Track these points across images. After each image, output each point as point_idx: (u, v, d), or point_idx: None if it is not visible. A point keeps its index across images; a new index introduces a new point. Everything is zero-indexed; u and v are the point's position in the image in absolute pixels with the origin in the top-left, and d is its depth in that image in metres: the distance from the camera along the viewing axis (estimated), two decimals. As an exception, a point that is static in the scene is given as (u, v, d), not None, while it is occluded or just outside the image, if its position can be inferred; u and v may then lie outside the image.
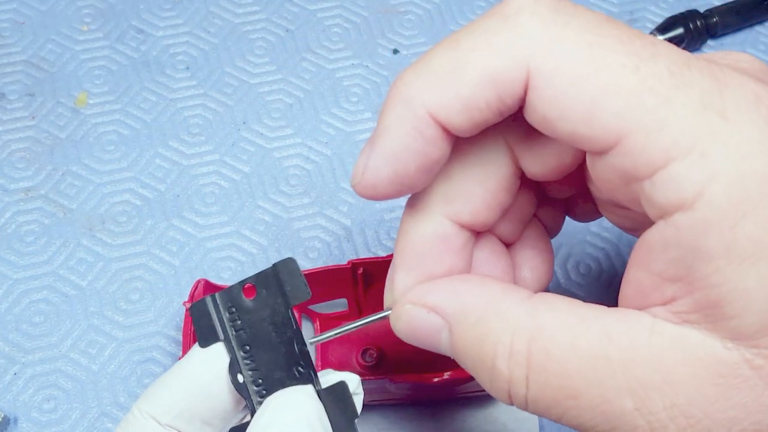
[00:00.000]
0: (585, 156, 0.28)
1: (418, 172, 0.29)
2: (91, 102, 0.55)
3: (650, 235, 0.26)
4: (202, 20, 0.58)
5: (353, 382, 0.31)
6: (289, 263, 0.31)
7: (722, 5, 0.60)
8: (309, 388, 0.30)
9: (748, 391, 0.25)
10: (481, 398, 0.45)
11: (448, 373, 0.40)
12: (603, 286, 0.50)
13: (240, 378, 0.30)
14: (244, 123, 0.54)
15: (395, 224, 0.51)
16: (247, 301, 0.31)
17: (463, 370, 0.40)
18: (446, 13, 0.60)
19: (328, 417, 0.30)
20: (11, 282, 0.48)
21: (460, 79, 0.27)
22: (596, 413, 0.26)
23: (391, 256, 0.44)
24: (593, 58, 0.25)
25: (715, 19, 0.59)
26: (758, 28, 0.61)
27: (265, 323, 0.31)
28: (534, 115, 0.27)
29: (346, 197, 0.52)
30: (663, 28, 0.58)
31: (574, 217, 0.37)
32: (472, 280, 0.30)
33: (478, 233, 0.33)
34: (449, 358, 0.38)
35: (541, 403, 0.27)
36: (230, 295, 0.31)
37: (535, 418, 0.45)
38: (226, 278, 0.49)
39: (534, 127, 0.27)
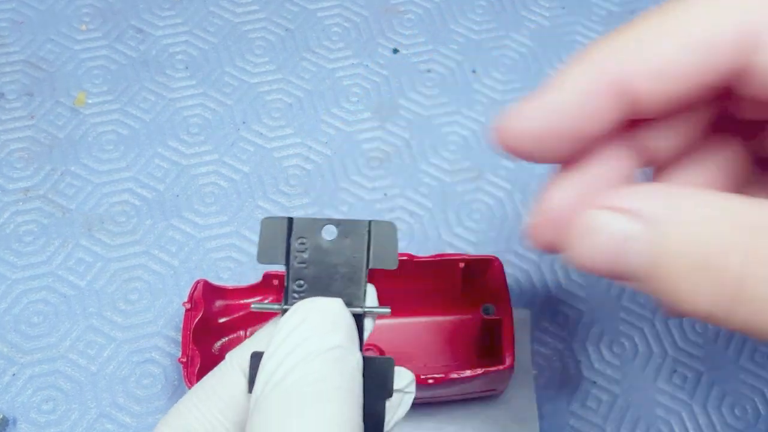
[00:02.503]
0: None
1: (568, 138, 0.26)
2: (90, 102, 0.54)
3: None
4: (201, 20, 0.58)
5: (406, 378, 0.29)
6: (387, 226, 0.30)
7: (723, 5, 0.60)
8: (339, 300, 0.29)
9: None
10: (481, 399, 0.45)
11: (447, 373, 0.40)
12: (604, 284, 0.50)
13: (287, 308, 0.29)
14: (243, 123, 0.54)
15: (396, 224, 0.51)
16: (324, 240, 0.30)
17: (461, 370, 0.40)
18: (446, 12, 0.60)
19: (363, 387, 0.28)
20: (10, 282, 0.48)
21: (659, 43, 0.24)
22: None
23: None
24: None
25: (716, 19, 0.59)
26: (759, 28, 0.61)
27: (332, 269, 0.29)
28: (764, 77, 0.24)
29: (346, 197, 0.52)
30: (664, 28, 0.58)
31: None
32: (677, 186, 0.26)
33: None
34: (449, 360, 0.37)
35: (760, 305, 0.23)
36: (307, 226, 0.30)
37: (536, 418, 0.45)
38: (226, 278, 0.49)
39: (757, 98, 0.25)
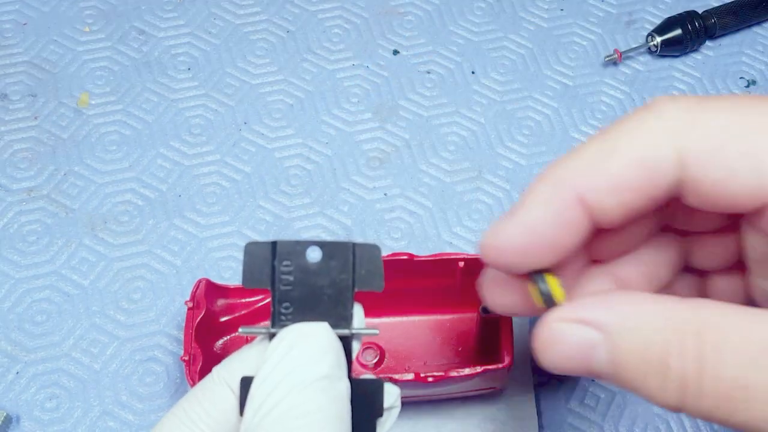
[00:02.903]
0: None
1: (546, 251, 0.29)
2: (93, 102, 0.55)
3: None
4: (203, 21, 0.59)
5: (393, 394, 0.30)
6: (372, 249, 0.30)
7: (720, 6, 0.60)
8: (326, 325, 0.29)
9: None
10: (480, 397, 0.46)
11: (447, 372, 0.40)
12: (602, 285, 0.50)
13: (274, 331, 0.29)
14: (245, 123, 0.55)
15: (395, 224, 0.52)
16: (309, 262, 0.30)
17: (461, 368, 0.40)
18: (446, 14, 0.60)
19: (352, 409, 0.29)
20: (14, 281, 0.48)
21: (610, 161, 0.28)
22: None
23: (391, 255, 0.44)
24: (741, 123, 0.26)
25: (713, 20, 0.59)
26: (756, 29, 0.62)
27: (318, 291, 0.30)
28: (696, 186, 0.27)
29: (346, 197, 0.52)
30: (661, 29, 0.59)
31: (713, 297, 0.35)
32: (620, 293, 0.29)
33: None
34: (449, 358, 0.37)
35: (710, 402, 0.27)
36: (292, 249, 0.30)
37: (535, 416, 0.46)
38: (228, 277, 0.49)
39: (694, 206, 0.28)
